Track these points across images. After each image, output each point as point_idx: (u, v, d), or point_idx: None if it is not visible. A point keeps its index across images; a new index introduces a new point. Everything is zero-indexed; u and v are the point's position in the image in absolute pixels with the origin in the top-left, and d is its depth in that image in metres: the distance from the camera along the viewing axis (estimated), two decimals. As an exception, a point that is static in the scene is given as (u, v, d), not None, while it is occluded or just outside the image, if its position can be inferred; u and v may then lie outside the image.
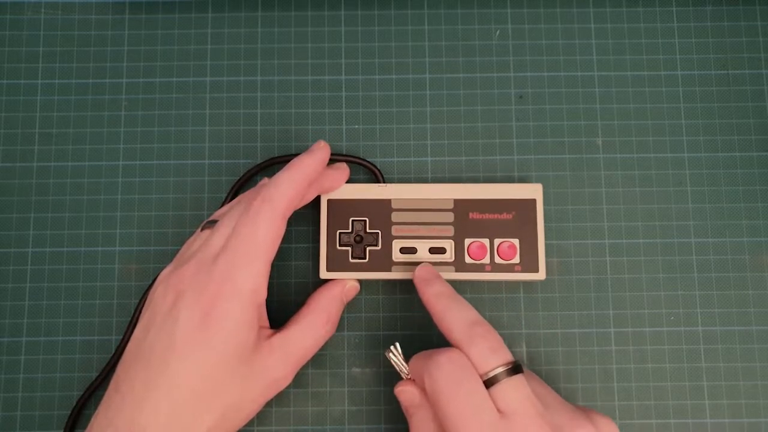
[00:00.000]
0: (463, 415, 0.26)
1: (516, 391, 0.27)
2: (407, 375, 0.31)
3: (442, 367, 0.27)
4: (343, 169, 0.35)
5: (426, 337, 0.36)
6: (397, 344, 0.32)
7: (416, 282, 0.32)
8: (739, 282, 0.37)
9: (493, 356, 0.28)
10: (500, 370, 0.27)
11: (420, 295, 0.31)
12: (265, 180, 0.34)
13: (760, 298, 0.36)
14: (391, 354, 0.31)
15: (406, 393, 0.30)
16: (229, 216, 0.31)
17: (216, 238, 0.30)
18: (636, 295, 0.36)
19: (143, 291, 0.36)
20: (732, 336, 0.36)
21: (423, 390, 0.29)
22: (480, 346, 0.28)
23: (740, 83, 0.38)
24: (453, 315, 0.29)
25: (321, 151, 0.32)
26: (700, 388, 0.36)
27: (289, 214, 0.31)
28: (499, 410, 0.27)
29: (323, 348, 0.34)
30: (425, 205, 0.35)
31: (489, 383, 0.27)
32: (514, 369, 0.27)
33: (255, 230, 0.29)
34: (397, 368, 0.31)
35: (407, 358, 0.31)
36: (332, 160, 0.36)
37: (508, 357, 0.28)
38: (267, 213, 0.29)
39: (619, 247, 0.37)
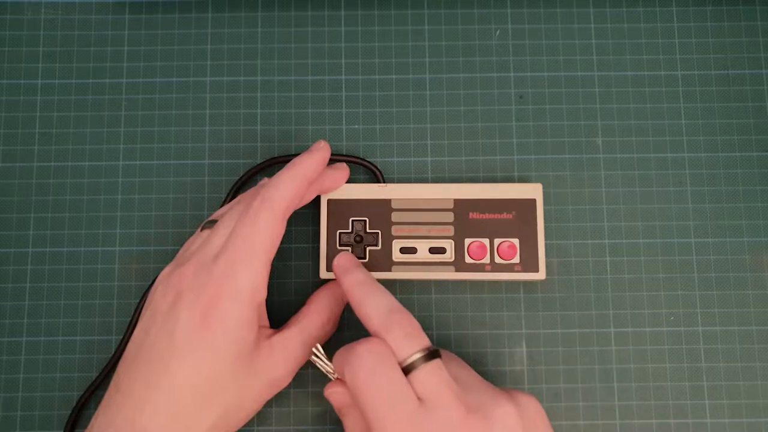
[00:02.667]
0: (383, 406, 0.26)
1: (433, 375, 0.26)
2: (334, 375, 0.31)
3: (361, 357, 0.27)
4: (343, 169, 0.35)
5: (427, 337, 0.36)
6: (318, 345, 0.31)
7: (335, 271, 0.32)
8: (739, 282, 0.37)
9: (410, 343, 0.27)
10: (417, 356, 0.27)
11: (340, 284, 0.31)
12: (265, 180, 0.34)
13: (760, 298, 0.36)
14: (313, 356, 0.31)
15: (336, 394, 0.30)
16: (229, 216, 0.31)
17: (216, 237, 0.30)
18: (636, 295, 0.36)
19: (143, 291, 0.36)
20: (732, 336, 0.36)
21: None
22: (396, 333, 0.27)
23: (740, 83, 0.38)
24: (370, 303, 0.29)
25: (321, 151, 0.32)
26: (700, 388, 0.36)
27: (288, 214, 0.31)
28: (418, 396, 0.26)
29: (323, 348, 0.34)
30: (425, 205, 0.35)
31: (407, 370, 0.27)
32: (431, 354, 0.27)
33: (255, 230, 0.29)
34: (323, 370, 0.31)
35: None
36: (332, 160, 0.36)
37: (424, 342, 0.27)
38: (267, 213, 0.29)
39: (619, 247, 0.37)
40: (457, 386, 0.27)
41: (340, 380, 0.30)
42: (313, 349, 0.31)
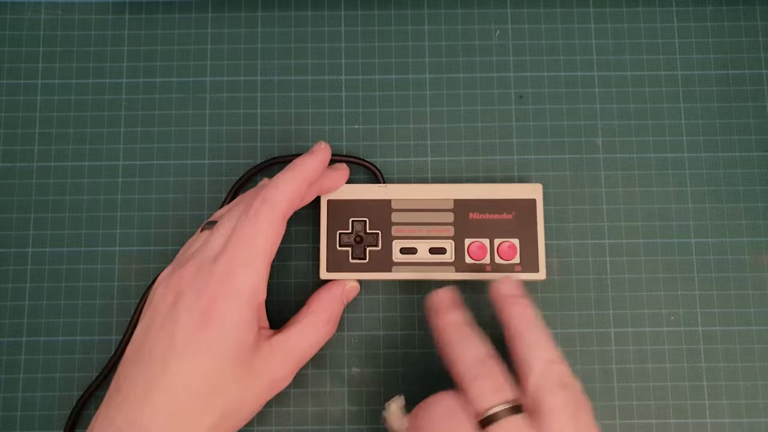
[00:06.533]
0: None
1: (512, 430, 0.26)
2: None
3: (429, 408, 0.28)
4: (343, 170, 0.35)
5: (426, 337, 0.36)
6: (399, 398, 0.31)
7: (431, 305, 0.32)
8: (739, 282, 0.37)
9: (494, 395, 0.27)
10: (500, 408, 0.27)
11: (432, 320, 0.31)
12: (265, 180, 0.34)
13: (760, 298, 0.36)
14: (390, 410, 0.31)
15: None
16: (229, 216, 0.31)
17: (216, 238, 0.30)
18: (636, 295, 0.36)
19: (143, 291, 0.36)
20: (732, 336, 0.36)
21: None
22: (482, 383, 0.27)
23: (740, 83, 0.38)
24: (462, 348, 0.29)
25: (321, 152, 0.32)
26: (700, 388, 0.36)
27: (289, 214, 0.31)
28: None
29: (323, 348, 0.34)
30: (425, 205, 0.35)
31: (487, 421, 0.26)
32: (515, 409, 0.27)
33: (255, 231, 0.29)
34: (396, 426, 0.31)
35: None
36: (332, 161, 0.36)
37: (509, 395, 0.27)
38: (267, 213, 0.29)
39: (619, 247, 0.37)
40: None
41: None
42: (391, 403, 0.31)
